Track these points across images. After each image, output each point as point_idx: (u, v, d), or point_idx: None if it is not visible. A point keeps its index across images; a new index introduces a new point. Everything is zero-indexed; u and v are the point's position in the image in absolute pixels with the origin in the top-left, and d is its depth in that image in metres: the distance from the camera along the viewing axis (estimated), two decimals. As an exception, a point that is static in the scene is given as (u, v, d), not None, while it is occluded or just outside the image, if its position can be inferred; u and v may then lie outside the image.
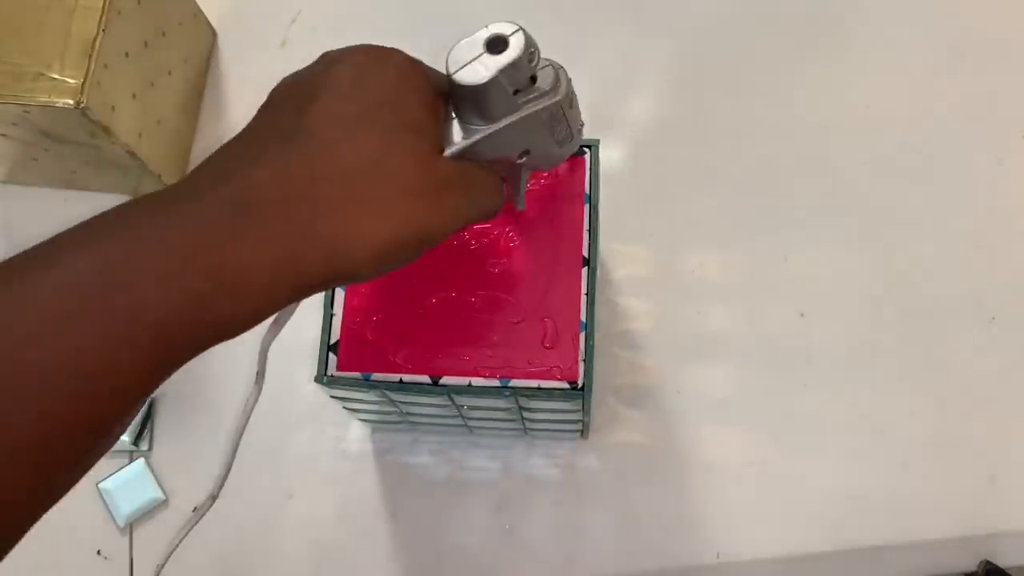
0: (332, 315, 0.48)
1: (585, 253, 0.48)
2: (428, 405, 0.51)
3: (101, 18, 0.55)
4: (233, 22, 0.73)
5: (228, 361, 0.63)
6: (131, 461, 0.61)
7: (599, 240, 0.49)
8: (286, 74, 0.37)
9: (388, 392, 0.48)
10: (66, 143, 0.59)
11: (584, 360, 0.46)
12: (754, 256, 0.64)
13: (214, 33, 0.72)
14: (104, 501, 0.60)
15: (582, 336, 0.47)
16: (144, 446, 0.61)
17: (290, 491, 0.61)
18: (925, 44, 0.69)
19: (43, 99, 0.54)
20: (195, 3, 0.69)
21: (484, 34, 0.36)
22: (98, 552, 0.60)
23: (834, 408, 0.61)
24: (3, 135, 0.59)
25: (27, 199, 0.68)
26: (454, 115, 0.38)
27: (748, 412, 0.61)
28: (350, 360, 0.47)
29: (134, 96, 0.60)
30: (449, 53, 0.36)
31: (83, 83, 0.54)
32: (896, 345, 0.62)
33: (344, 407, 0.54)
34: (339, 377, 0.47)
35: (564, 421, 0.54)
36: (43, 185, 0.68)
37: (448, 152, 0.37)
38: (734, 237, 0.65)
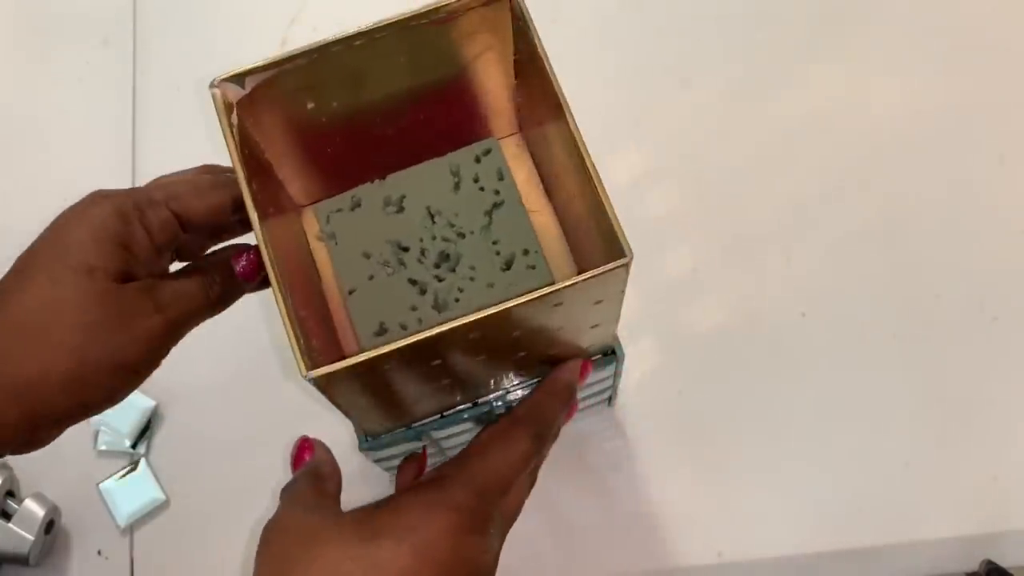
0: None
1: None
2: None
3: None
4: (233, 21, 0.73)
5: (229, 361, 0.63)
6: (131, 462, 0.60)
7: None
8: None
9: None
10: None
11: None
12: (754, 256, 0.64)
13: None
14: (104, 501, 0.60)
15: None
16: (143, 449, 0.61)
17: (290, 491, 0.61)
18: (925, 44, 0.69)
19: None
20: None
21: None
22: (98, 552, 0.59)
23: (834, 408, 0.61)
24: None
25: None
26: None
27: (748, 412, 0.61)
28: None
29: None
30: None
31: None
32: (897, 345, 0.62)
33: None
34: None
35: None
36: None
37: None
38: (734, 237, 0.65)
